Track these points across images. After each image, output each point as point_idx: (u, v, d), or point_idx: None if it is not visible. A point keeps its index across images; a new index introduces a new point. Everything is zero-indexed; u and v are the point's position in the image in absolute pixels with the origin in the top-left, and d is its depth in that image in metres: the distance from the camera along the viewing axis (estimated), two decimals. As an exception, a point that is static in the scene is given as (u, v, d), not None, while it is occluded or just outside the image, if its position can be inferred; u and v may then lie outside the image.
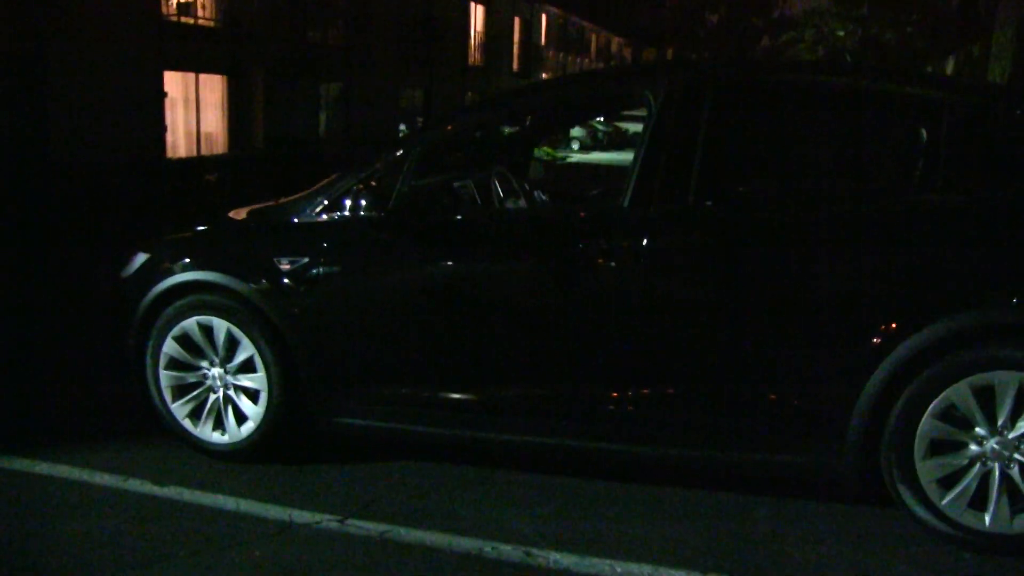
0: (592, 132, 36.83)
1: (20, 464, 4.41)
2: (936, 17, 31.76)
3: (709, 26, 68.10)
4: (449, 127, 4.72)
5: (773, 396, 3.78)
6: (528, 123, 5.96)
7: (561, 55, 47.96)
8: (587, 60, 53.80)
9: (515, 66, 39.64)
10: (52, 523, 3.86)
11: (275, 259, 4.25)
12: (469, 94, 33.18)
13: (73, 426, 5.01)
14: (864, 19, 35.52)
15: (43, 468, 4.38)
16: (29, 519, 3.90)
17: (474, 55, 35.37)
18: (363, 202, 4.16)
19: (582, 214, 4.29)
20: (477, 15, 35.44)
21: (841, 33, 37.16)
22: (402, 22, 27.74)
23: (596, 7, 52.38)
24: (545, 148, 27.61)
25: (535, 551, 3.57)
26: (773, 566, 3.48)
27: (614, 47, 62.93)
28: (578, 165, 28.82)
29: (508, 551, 3.57)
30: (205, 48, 19.79)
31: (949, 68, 23.27)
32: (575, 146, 34.76)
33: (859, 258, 3.71)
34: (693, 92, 3.97)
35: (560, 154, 30.83)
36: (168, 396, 4.50)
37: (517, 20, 39.73)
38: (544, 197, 5.45)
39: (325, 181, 4.41)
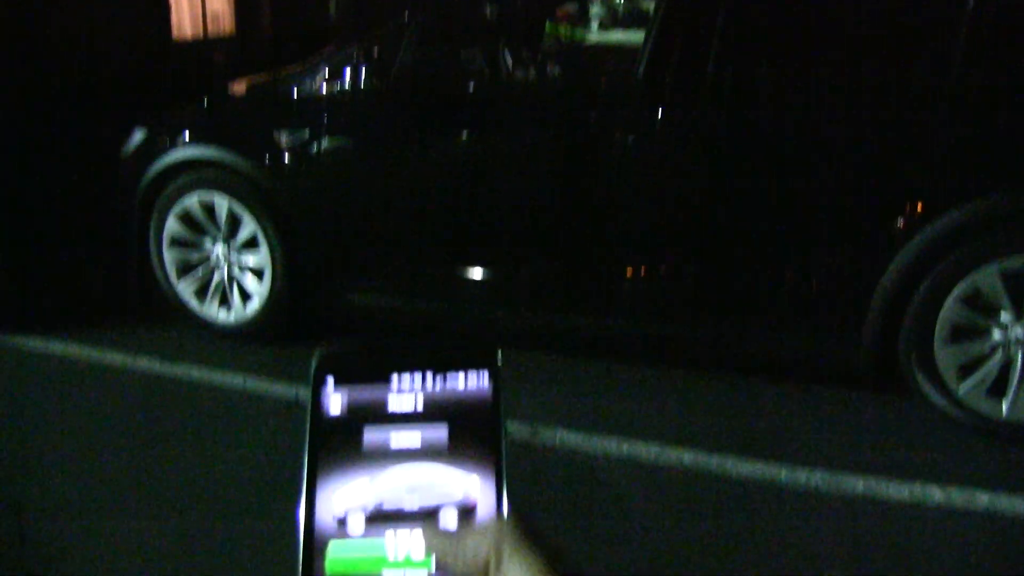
0: (612, 9, 35.85)
1: (34, 344, 4.43)
2: None
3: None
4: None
5: (791, 277, 3.67)
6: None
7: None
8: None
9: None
10: (65, 401, 3.88)
11: (275, 133, 4.12)
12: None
13: (84, 307, 5.00)
14: None
15: (56, 347, 4.39)
16: (43, 397, 3.93)
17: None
18: (364, 73, 4.00)
19: (595, 85, 4.12)
20: None
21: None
22: None
23: None
24: (561, 27, 26.89)
25: (542, 429, 3.54)
26: (779, 448, 3.45)
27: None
28: (597, 44, 28.16)
29: (515, 429, 3.54)
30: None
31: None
32: (594, 25, 33.88)
33: (885, 134, 3.55)
34: None
35: (579, 33, 30.07)
36: (173, 275, 4.45)
37: None
38: (557, 70, 5.24)
39: (323, 53, 4.25)
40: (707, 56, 3.63)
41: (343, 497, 0.50)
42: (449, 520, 0.50)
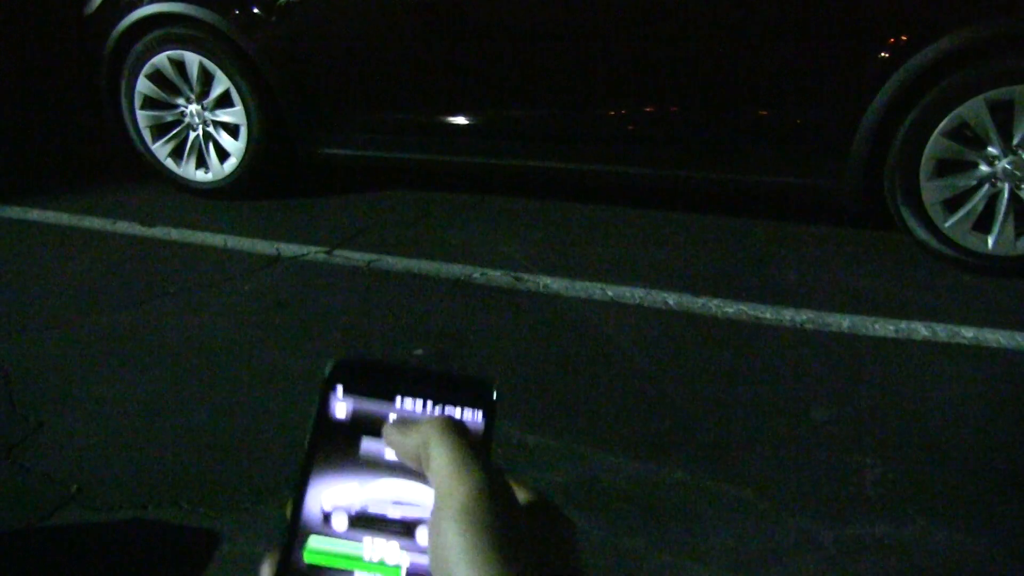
0: None
1: (12, 212, 4.37)
2: None
3: None
4: None
5: (773, 114, 3.59)
6: None
7: None
8: None
9: None
10: (46, 265, 3.85)
11: (244, -17, 3.96)
12: None
13: (60, 173, 4.93)
14: None
15: (34, 215, 4.34)
16: (24, 263, 3.89)
17: None
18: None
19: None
20: None
21: None
22: None
23: None
24: None
25: (525, 276, 3.53)
26: (767, 288, 3.45)
27: None
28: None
29: (497, 276, 3.52)
30: None
31: None
32: None
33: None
34: None
35: None
36: (148, 136, 4.36)
37: None
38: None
39: None
40: None
41: (332, 496, 0.53)
42: (424, 537, 0.53)
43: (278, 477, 2.37)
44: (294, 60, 4.03)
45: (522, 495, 0.53)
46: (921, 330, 3.13)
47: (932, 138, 3.37)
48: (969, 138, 3.37)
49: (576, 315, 3.28)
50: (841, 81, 3.47)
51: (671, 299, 3.35)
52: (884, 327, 3.16)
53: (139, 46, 4.20)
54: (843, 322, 3.19)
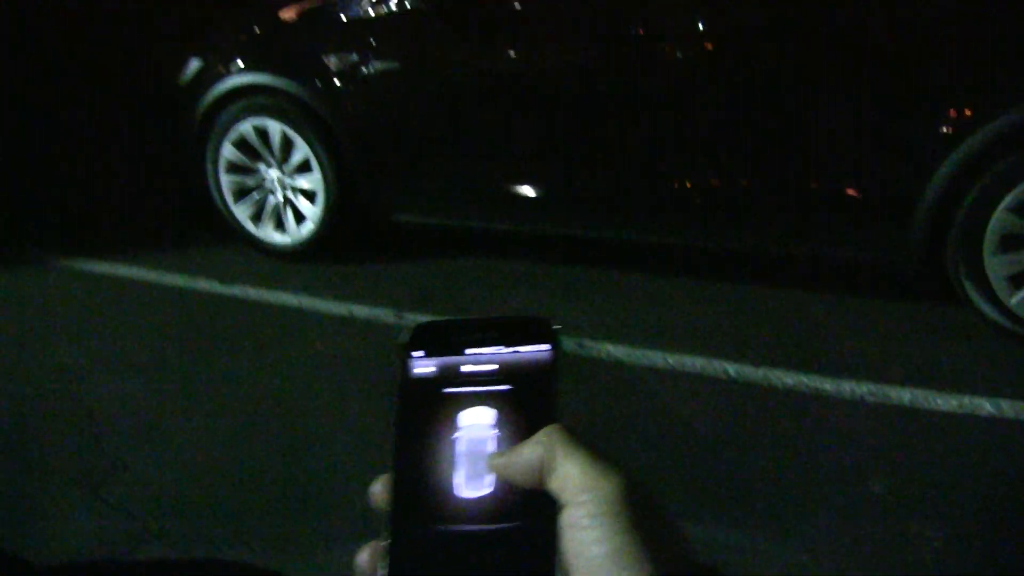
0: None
1: (101, 267, 4.61)
2: None
3: None
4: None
5: (837, 188, 3.65)
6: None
7: None
8: None
9: None
10: (131, 317, 4.05)
11: (326, 58, 4.17)
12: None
13: (146, 231, 5.19)
14: None
15: (121, 270, 4.57)
16: (111, 315, 4.09)
17: None
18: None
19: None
20: None
21: None
22: None
23: None
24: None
25: (588, 342, 3.60)
26: (827, 359, 3.46)
27: None
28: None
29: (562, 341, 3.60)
30: None
31: None
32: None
33: (931, 36, 3.46)
34: None
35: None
36: (230, 199, 4.57)
37: None
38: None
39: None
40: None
41: (427, 444, 0.57)
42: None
43: (346, 525, 2.46)
44: (370, 129, 4.22)
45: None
46: (986, 406, 3.11)
47: (996, 213, 3.38)
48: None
49: (638, 382, 3.34)
50: (904, 155, 3.51)
51: (731, 368, 3.39)
52: (947, 401, 3.15)
53: (226, 114, 4.43)
54: (904, 395, 3.19)
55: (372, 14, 4.15)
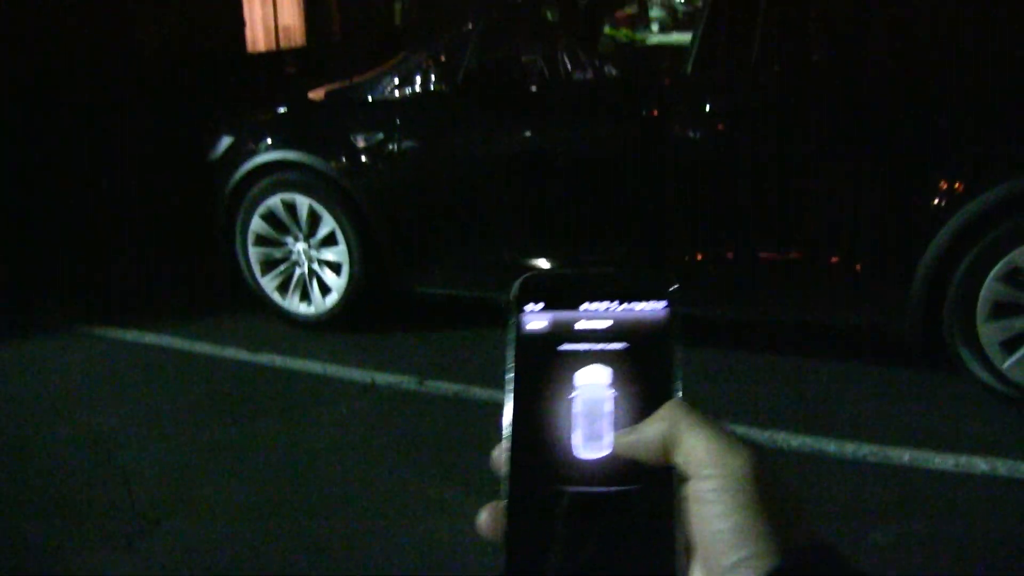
0: (672, 11, 35.57)
1: (131, 335, 4.80)
2: None
3: None
4: (509, 6, 4.78)
5: (836, 258, 3.84)
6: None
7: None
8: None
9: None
10: (163, 384, 4.23)
11: (352, 136, 4.41)
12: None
13: (175, 300, 5.39)
14: None
15: (150, 338, 4.75)
16: (141, 382, 4.27)
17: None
18: (432, 78, 4.27)
19: (646, 81, 4.34)
20: None
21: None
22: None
23: None
24: (624, 30, 26.79)
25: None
26: (830, 420, 3.62)
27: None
28: (658, 46, 28.21)
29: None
30: (280, -61, 19.65)
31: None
32: (655, 27, 33.72)
33: (924, 115, 3.69)
34: None
35: (639, 36, 30.02)
36: (258, 271, 4.77)
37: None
38: (613, 71, 5.47)
39: (396, 59, 4.54)
40: (751, 50, 3.83)
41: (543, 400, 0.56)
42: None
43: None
44: (394, 204, 4.44)
45: None
46: (981, 464, 3.26)
47: (987, 282, 3.56)
48: (1022, 282, 3.56)
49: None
50: (900, 227, 3.72)
51: (738, 430, 3.52)
52: (944, 461, 3.29)
53: (256, 189, 4.66)
54: (904, 455, 3.34)
55: (396, 95, 4.40)
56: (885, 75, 3.83)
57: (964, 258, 3.58)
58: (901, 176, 3.72)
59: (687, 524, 0.50)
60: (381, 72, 4.55)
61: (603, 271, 0.58)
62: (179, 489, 3.26)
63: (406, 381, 4.11)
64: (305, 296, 4.71)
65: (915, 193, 3.67)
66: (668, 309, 0.56)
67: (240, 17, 19.30)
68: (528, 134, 4.25)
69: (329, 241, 4.55)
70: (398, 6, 25.50)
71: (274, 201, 4.62)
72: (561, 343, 0.57)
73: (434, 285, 4.49)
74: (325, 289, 4.64)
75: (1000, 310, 3.59)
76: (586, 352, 0.56)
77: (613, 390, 0.55)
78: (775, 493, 0.49)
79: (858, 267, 3.80)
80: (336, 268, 4.58)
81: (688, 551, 0.51)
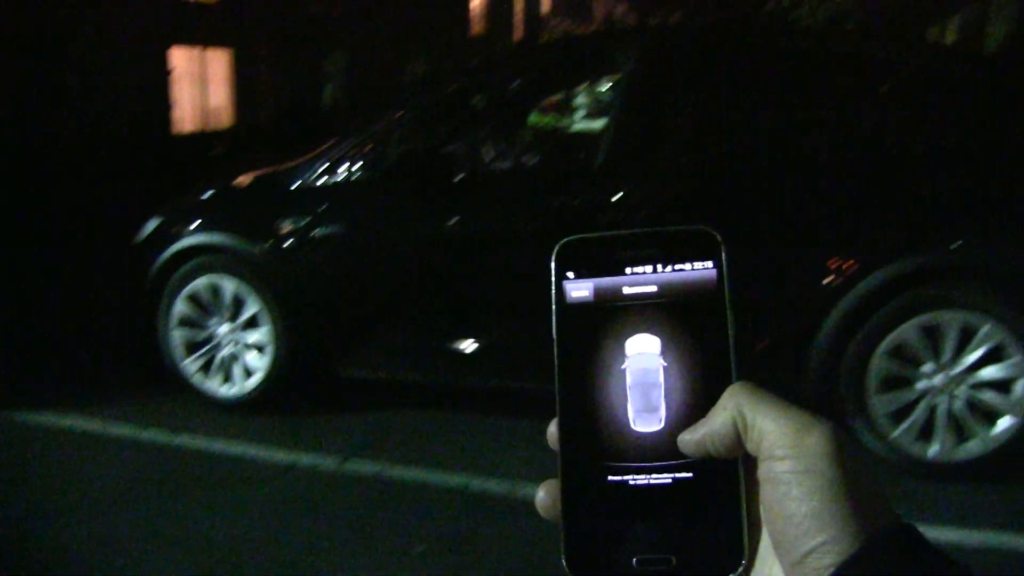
0: (596, 99, 36.55)
1: (47, 419, 4.77)
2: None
3: (716, -12, 66.79)
4: (434, 95, 4.98)
5: (745, 332, 4.04)
6: (514, 88, 6.15)
7: (566, 22, 47.59)
8: (590, 27, 53.24)
9: (517, 35, 39.49)
10: (73, 471, 4.21)
11: (277, 221, 4.54)
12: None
13: (92, 383, 5.36)
14: (867, -22, 34.99)
15: (67, 422, 4.73)
16: (56, 467, 4.26)
17: (476, 24, 35.22)
18: (357, 166, 4.44)
19: (558, 172, 4.57)
20: (478, -17, 35.26)
21: (842, -6, 36.64)
22: (405, -9, 27.68)
23: (600, -28, 51.86)
24: (549, 116, 27.45)
25: (518, 485, 3.88)
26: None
27: (619, 12, 62.22)
28: (581, 133, 28.90)
29: (493, 486, 3.90)
30: (210, 23, 19.93)
31: (952, 27, 23.19)
32: (580, 114, 34.63)
33: (819, 208, 3.98)
34: (663, 54, 4.22)
35: (564, 121, 30.79)
36: (180, 352, 4.81)
37: (518, -12, 39.52)
38: (534, 160, 5.71)
39: (323, 147, 4.68)
40: (658, 145, 4.10)
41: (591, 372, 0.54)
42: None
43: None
44: (318, 288, 4.56)
45: None
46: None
47: (874, 358, 3.82)
48: (908, 356, 3.80)
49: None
50: (797, 308, 3.96)
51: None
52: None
53: (181, 271, 4.73)
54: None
55: (323, 181, 4.56)
56: (785, 163, 4.12)
57: (855, 335, 3.83)
58: (799, 257, 3.97)
59: (759, 506, 0.49)
60: (309, 158, 4.69)
61: (645, 231, 0.55)
62: (102, 572, 3.27)
63: (327, 461, 4.18)
64: (228, 378, 4.77)
65: (811, 274, 3.92)
66: (716, 269, 0.54)
67: (168, 97, 19.41)
68: (450, 221, 4.42)
69: (253, 323, 4.63)
70: (328, 90, 25.86)
71: (199, 284, 4.70)
72: (606, 312, 0.54)
73: (357, 367, 4.59)
74: (247, 371, 4.71)
75: (888, 383, 3.84)
76: (634, 319, 0.54)
77: (663, 360, 0.53)
78: (854, 473, 0.47)
79: (757, 346, 4.02)
80: (259, 350, 4.66)
81: (757, 531, 0.50)
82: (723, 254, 0.54)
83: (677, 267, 0.54)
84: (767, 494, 0.48)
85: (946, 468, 3.82)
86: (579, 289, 0.55)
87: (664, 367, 0.53)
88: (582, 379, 0.54)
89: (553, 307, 0.55)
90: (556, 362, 0.55)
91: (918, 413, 3.81)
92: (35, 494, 3.95)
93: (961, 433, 3.77)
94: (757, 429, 0.49)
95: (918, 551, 0.47)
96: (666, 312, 0.54)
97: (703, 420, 0.51)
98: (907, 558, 0.46)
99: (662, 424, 0.52)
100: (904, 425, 3.82)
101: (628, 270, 0.54)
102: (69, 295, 7.26)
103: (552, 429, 0.55)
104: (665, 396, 0.52)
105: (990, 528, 3.45)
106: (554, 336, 0.55)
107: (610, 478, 0.53)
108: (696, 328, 0.53)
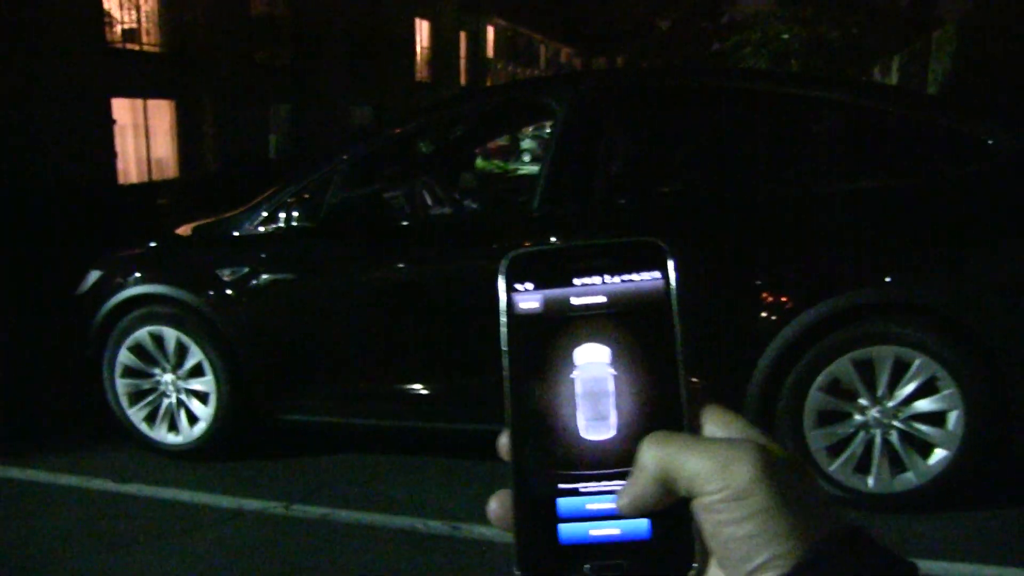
0: (543, 143, 36.97)
1: (-13, 471, 4.71)
2: (882, 16, 32.50)
3: (660, 33, 68.22)
4: (372, 142, 5.04)
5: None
6: (454, 135, 6.27)
7: (510, 67, 48.32)
8: (536, 71, 54.18)
9: (463, 80, 39.94)
10: (22, 522, 4.17)
11: (218, 270, 4.56)
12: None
13: (38, 433, 5.35)
14: (809, 21, 35.96)
15: (13, 472, 4.69)
16: (3, 519, 4.21)
17: (421, 70, 35.56)
18: (296, 213, 4.49)
19: (495, 218, 4.65)
20: (423, 31, 35.54)
21: (786, 36, 37.64)
22: (349, 40, 27.91)
23: (544, 17, 52.82)
24: (495, 161, 27.86)
25: (462, 525, 3.92)
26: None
27: (563, 57, 63.35)
28: (525, 176, 29.22)
29: (437, 526, 3.93)
30: (152, 74, 19.88)
31: (895, 67, 23.94)
32: (526, 158, 35.04)
33: (753, 249, 4.10)
34: (594, 99, 4.34)
35: (510, 166, 31.15)
36: (125, 402, 4.79)
37: (463, 34, 39.99)
38: (474, 205, 5.80)
39: (262, 196, 4.72)
40: (592, 188, 4.19)
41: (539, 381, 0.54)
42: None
43: None
44: (260, 335, 4.57)
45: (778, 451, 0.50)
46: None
47: (811, 392, 3.91)
48: (843, 391, 3.90)
49: (508, 559, 3.63)
50: (734, 344, 4.05)
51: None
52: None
53: (124, 322, 4.72)
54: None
55: (262, 230, 4.59)
56: (721, 202, 4.23)
57: (791, 371, 3.92)
58: (735, 295, 4.06)
59: (702, 532, 0.50)
60: (248, 207, 4.72)
61: (593, 243, 0.56)
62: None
63: (273, 506, 4.18)
64: (173, 426, 4.74)
65: (747, 311, 4.01)
66: (663, 279, 0.55)
67: (112, 148, 19.28)
68: (387, 268, 4.48)
69: (197, 372, 4.63)
70: (273, 139, 25.90)
71: (142, 333, 4.69)
72: (556, 321, 0.55)
73: (299, 413, 4.60)
74: (193, 419, 4.70)
75: (824, 418, 3.94)
76: (583, 330, 0.54)
77: (612, 369, 0.54)
78: (790, 490, 0.48)
79: (696, 382, 4.08)
80: (203, 398, 4.65)
81: (705, 554, 0.50)
82: (670, 264, 0.55)
83: (625, 278, 0.55)
84: (703, 522, 0.49)
85: (884, 499, 3.91)
86: (528, 300, 0.55)
87: (614, 376, 0.54)
88: (532, 389, 0.55)
89: (503, 318, 0.55)
90: (506, 373, 0.55)
91: (855, 446, 3.90)
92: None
93: (898, 464, 3.86)
94: (683, 476, 0.49)
95: (864, 552, 0.48)
96: (615, 322, 0.54)
97: (629, 482, 0.51)
98: (853, 560, 0.47)
99: (612, 432, 0.53)
100: (842, 458, 3.91)
101: (577, 281, 0.55)
102: (13, 348, 7.17)
103: (503, 439, 0.55)
104: (615, 404, 0.53)
105: (928, 556, 3.53)
106: (504, 347, 0.55)
107: (561, 486, 0.53)
108: (645, 337, 0.54)
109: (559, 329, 0.55)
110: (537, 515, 0.53)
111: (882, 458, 3.88)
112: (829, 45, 34.88)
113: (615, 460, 0.53)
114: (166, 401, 4.74)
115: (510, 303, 0.55)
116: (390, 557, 3.69)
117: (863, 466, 3.91)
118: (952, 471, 3.81)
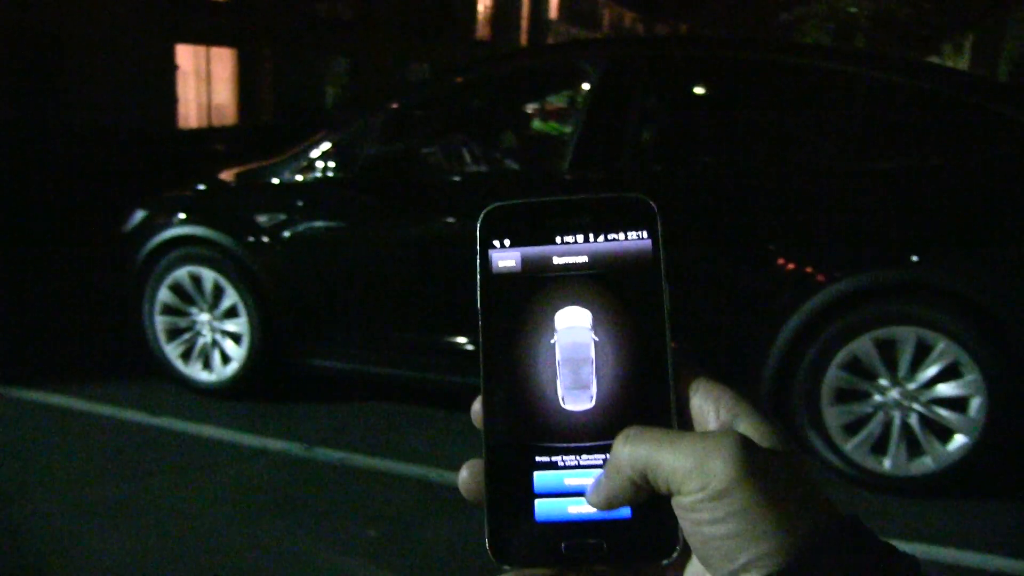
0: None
1: (34, 396, 4.94)
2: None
3: (726, 1, 66.54)
4: (404, 100, 5.01)
5: (697, 349, 4.15)
6: (493, 95, 6.25)
7: (572, 29, 47.75)
8: (599, 35, 53.46)
9: (523, 40, 39.58)
10: (58, 445, 4.37)
11: (256, 216, 4.67)
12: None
13: (80, 364, 5.54)
14: (878, -6, 34.88)
15: (54, 400, 4.89)
16: (40, 441, 4.41)
17: (481, 29, 35.32)
18: (333, 164, 4.56)
19: (527, 178, 4.68)
20: (485, -12, 35.30)
21: (853, 10, 36.59)
22: (411, -4, 27.81)
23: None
24: (552, 123, 27.59)
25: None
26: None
27: (627, 21, 62.42)
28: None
29: (451, 476, 3.98)
30: (216, 22, 20.10)
31: (967, 45, 23.25)
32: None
33: (777, 221, 4.06)
34: (627, 65, 4.33)
35: (566, 128, 30.88)
36: (162, 339, 4.95)
37: (526, -8, 39.59)
38: (515, 166, 5.82)
39: (303, 144, 4.80)
40: (621, 152, 4.21)
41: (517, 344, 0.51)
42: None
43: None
44: (292, 282, 4.68)
45: (770, 440, 0.48)
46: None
47: (829, 370, 3.90)
48: (862, 370, 3.88)
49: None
50: (754, 317, 4.06)
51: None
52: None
53: (165, 261, 4.87)
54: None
55: (299, 179, 4.68)
56: (748, 175, 4.22)
57: (810, 348, 3.92)
58: (758, 267, 4.05)
59: (683, 531, 0.47)
60: (290, 155, 4.81)
61: (577, 198, 0.52)
62: (66, 544, 3.38)
63: (295, 447, 4.31)
64: (206, 364, 4.89)
65: (769, 284, 4.00)
66: (651, 240, 0.52)
67: (173, 94, 19.59)
68: (418, 222, 4.54)
69: (231, 313, 4.76)
70: (330, 90, 26.06)
71: (181, 273, 4.83)
72: (535, 282, 0.51)
73: (326, 359, 4.71)
74: (226, 359, 4.84)
75: (842, 396, 3.93)
76: (564, 291, 0.51)
77: (594, 335, 0.51)
78: (775, 484, 0.45)
79: (713, 357, 4.11)
80: (237, 339, 4.78)
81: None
82: (659, 224, 0.52)
83: (610, 237, 0.52)
84: (682, 520, 0.47)
85: (900, 482, 3.89)
86: (506, 259, 0.52)
87: (596, 342, 0.50)
88: (509, 354, 0.51)
89: (478, 277, 0.52)
90: (481, 336, 0.51)
91: (873, 426, 3.89)
92: (18, 464, 4.08)
93: (916, 447, 3.84)
94: (660, 474, 0.46)
95: (859, 547, 0.45)
96: (598, 284, 0.51)
97: (604, 479, 0.49)
98: (846, 557, 0.44)
99: (593, 402, 0.50)
100: (858, 438, 3.90)
101: (558, 239, 0.52)
102: (64, 284, 7.43)
103: (476, 407, 0.52)
104: (597, 373, 0.50)
105: (938, 543, 3.51)
106: (479, 308, 0.52)
107: (538, 458, 0.50)
108: (630, 301, 0.51)
109: (538, 290, 0.51)
110: (512, 490, 0.50)
111: (900, 440, 3.86)
112: (898, 21, 33.86)
113: (596, 432, 0.50)
114: (201, 340, 4.88)
115: (486, 260, 0.52)
116: (401, 504, 3.79)
117: (880, 447, 3.90)
118: (971, 458, 3.77)
